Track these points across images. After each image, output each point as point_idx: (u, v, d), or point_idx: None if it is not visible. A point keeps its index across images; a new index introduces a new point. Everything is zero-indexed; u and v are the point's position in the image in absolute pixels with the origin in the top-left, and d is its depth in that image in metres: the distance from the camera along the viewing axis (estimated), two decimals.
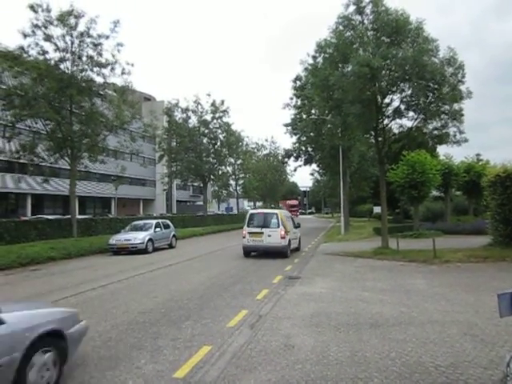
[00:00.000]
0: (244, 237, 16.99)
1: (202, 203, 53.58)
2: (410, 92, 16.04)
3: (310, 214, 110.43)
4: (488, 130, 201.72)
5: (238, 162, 56.17)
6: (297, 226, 19.19)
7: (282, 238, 16.57)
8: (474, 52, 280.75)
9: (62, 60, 21.81)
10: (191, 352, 5.43)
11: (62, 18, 21.07)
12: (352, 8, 15.73)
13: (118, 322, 7.04)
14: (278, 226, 16.66)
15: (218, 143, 44.51)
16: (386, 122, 17.30)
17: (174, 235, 23.00)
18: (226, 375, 4.66)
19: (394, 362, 4.88)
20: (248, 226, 17.02)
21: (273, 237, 16.55)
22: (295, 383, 4.39)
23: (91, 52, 22.17)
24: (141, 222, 22.75)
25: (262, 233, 16.69)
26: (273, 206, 76.00)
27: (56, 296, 9.46)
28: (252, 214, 17.89)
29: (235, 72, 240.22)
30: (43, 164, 23.98)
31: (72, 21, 21.36)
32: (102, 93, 24.27)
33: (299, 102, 35.44)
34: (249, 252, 17.25)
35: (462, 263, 12.87)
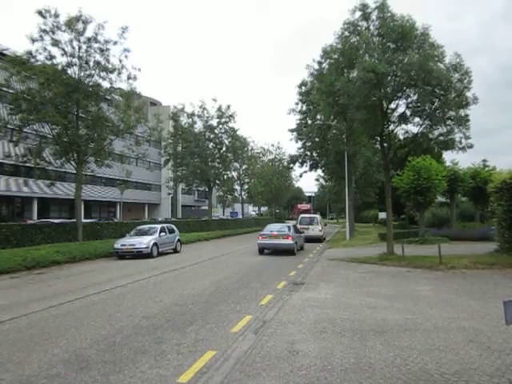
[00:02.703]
0: None
1: (206, 208, 53.63)
2: (415, 98, 16.02)
3: None
4: (496, 136, 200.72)
5: (244, 167, 56.25)
6: (325, 225, 34.93)
7: (320, 231, 29.25)
8: (482, 57, 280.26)
9: (69, 65, 21.96)
10: (195, 357, 5.42)
11: (70, 24, 21.23)
12: (358, 14, 15.78)
13: (122, 326, 7.05)
14: (318, 224, 29.43)
15: (224, 148, 44.60)
16: (391, 127, 17.30)
17: (178, 240, 23.03)
18: (230, 380, 4.65)
19: (399, 369, 4.85)
20: (300, 224, 28.07)
21: (314, 230, 28.77)
22: None
23: (98, 57, 22.35)
24: (146, 227, 22.79)
25: (308, 228, 28.37)
26: (278, 210, 75.97)
27: (61, 299, 9.50)
28: (302, 217, 31.03)
29: (241, 77, 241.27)
30: (49, 168, 24.11)
31: (80, 26, 21.54)
32: (108, 97, 24.42)
33: (304, 108, 35.49)
34: None
35: (468, 270, 12.80)
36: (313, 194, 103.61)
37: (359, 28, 15.83)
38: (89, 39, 21.84)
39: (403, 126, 17.42)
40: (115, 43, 22.37)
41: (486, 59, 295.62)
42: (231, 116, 43.00)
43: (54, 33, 21.25)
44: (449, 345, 5.70)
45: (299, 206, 63.64)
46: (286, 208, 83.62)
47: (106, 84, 23.20)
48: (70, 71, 22.09)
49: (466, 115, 15.96)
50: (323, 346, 5.79)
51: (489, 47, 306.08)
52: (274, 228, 21.65)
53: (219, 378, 4.73)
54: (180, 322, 7.31)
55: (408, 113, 16.58)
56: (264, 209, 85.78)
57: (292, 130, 37.03)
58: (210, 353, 5.57)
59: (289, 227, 21.53)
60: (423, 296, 9.19)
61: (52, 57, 21.67)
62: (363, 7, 15.60)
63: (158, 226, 22.08)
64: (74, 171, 23.79)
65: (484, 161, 32.40)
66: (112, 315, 7.90)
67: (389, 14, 15.36)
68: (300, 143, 37.29)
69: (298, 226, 26.31)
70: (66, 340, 6.32)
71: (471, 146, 16.92)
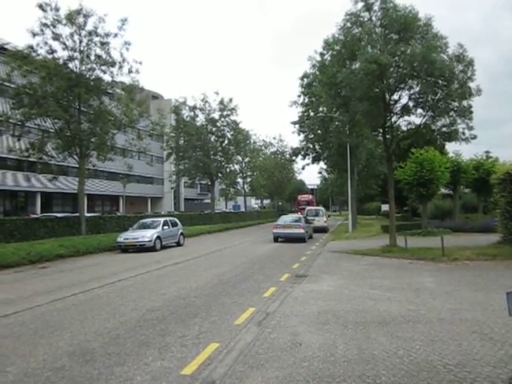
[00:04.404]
0: None
1: (209, 201, 53.66)
2: (418, 89, 15.93)
3: None
4: (499, 127, 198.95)
5: (246, 160, 56.22)
6: (328, 216, 39.56)
7: (325, 222, 32.12)
8: (486, 47, 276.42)
9: (70, 59, 21.93)
10: (199, 349, 5.45)
11: (71, 17, 21.17)
12: (360, 5, 15.69)
13: (126, 319, 7.09)
14: (323, 216, 32.46)
15: (226, 141, 44.57)
16: (394, 119, 17.20)
17: (181, 233, 23.07)
18: (234, 372, 4.67)
19: (402, 360, 4.86)
20: (307, 216, 29.44)
21: (320, 221, 31.22)
22: (302, 380, 4.38)
23: (99, 51, 22.28)
24: (149, 220, 22.84)
25: (314, 219, 30.17)
26: (280, 203, 75.96)
27: (65, 293, 9.55)
28: (308, 209, 33.81)
29: (243, 69, 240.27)
30: (52, 162, 24.14)
31: (80, 20, 21.46)
32: (110, 91, 24.38)
33: (307, 100, 35.29)
34: None
35: (471, 261, 12.79)
36: (315, 187, 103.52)
37: (361, 19, 15.74)
38: (89, 33, 21.77)
39: (406, 117, 17.36)
40: (115, 36, 22.31)
41: (489, 49, 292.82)
42: (233, 109, 42.97)
43: (54, 26, 21.21)
44: (451, 336, 5.71)
45: (299, 196, 61.84)
46: (289, 201, 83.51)
47: (107, 78, 23.18)
48: (71, 65, 22.08)
49: (470, 106, 15.87)
50: (326, 337, 5.80)
51: (493, 37, 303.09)
52: (286, 219, 24.62)
53: (223, 369, 4.75)
54: (183, 314, 7.34)
55: (411, 104, 16.50)
56: (267, 202, 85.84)
57: (294, 123, 36.87)
58: (214, 345, 5.59)
59: (300, 218, 24.70)
60: (426, 288, 9.20)
61: (53, 51, 21.66)
62: None
63: (161, 220, 22.11)
64: (77, 165, 23.83)
65: (487, 152, 32.23)
66: (116, 308, 7.94)
67: (391, 5, 15.25)
68: (302, 136, 37.21)
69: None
70: (70, 333, 6.36)
71: (475, 138, 16.86)
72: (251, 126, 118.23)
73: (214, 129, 43.30)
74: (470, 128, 16.32)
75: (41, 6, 20.78)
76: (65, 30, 21.42)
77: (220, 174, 45.80)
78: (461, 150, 28.94)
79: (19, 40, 25.16)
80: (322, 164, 42.32)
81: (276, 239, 23.02)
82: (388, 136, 17.25)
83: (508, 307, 3.31)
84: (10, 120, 22.38)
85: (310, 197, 62.25)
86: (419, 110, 16.65)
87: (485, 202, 29.36)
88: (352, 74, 15.24)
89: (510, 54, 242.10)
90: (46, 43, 21.37)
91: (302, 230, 22.66)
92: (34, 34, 21.02)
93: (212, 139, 43.74)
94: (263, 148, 65.58)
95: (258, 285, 10.13)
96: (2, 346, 5.80)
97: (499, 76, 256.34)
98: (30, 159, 23.77)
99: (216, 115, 42.98)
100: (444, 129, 17.02)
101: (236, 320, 6.87)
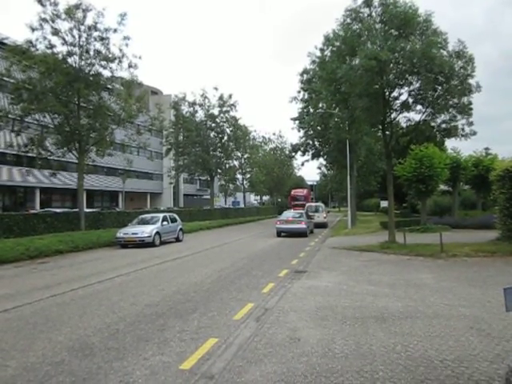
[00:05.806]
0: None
1: (208, 197, 53.64)
2: (418, 85, 15.94)
3: None
4: (498, 124, 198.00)
5: (245, 156, 56.15)
6: (328, 212, 38.88)
7: (324, 218, 32.98)
8: (487, 43, 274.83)
9: (69, 54, 21.85)
10: (197, 344, 5.47)
11: (70, 12, 21.07)
12: (360, 0, 15.62)
13: (125, 314, 7.11)
14: (322, 212, 33.39)
15: (225, 137, 44.51)
16: (393, 115, 17.21)
17: (180, 229, 23.08)
18: (232, 367, 4.69)
19: (400, 356, 4.88)
20: (307, 212, 29.12)
21: (320, 217, 31.99)
22: (301, 375, 4.41)
23: (98, 46, 22.20)
24: (148, 216, 22.84)
25: (314, 215, 30.81)
26: (279, 199, 76.02)
27: (64, 288, 9.57)
28: (308, 205, 34.29)
29: (243, 65, 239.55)
30: (51, 158, 24.11)
31: (79, 14, 21.36)
32: (109, 86, 24.31)
33: (306, 96, 35.21)
34: None
35: (470, 258, 12.82)
36: (315, 183, 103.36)
37: (361, 15, 15.69)
38: (89, 28, 21.68)
39: (405, 113, 17.39)
40: (115, 31, 22.22)
41: (490, 45, 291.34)
42: (233, 105, 42.85)
43: (53, 21, 21.11)
44: (449, 332, 5.74)
45: (293, 191, 56.25)
46: (287, 197, 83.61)
47: (106, 73, 23.11)
48: (70, 60, 22.00)
49: (469, 103, 15.87)
50: (325, 333, 5.83)
51: (494, 33, 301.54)
52: (289, 214, 25.59)
53: (221, 364, 4.78)
54: (182, 309, 7.37)
55: (410, 100, 16.52)
56: (266, 198, 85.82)
57: (294, 119, 36.84)
58: (213, 340, 5.62)
59: (301, 214, 25.44)
60: (424, 284, 9.23)
61: (52, 46, 21.58)
62: None
63: (161, 215, 22.12)
64: (76, 161, 23.81)
65: (486, 149, 32.25)
66: (115, 303, 7.96)
67: (391, 1, 15.21)
68: (302, 132, 37.14)
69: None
70: (69, 328, 6.38)
71: (474, 134, 16.88)
72: (251, 122, 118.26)
73: (213, 125, 43.22)
74: (470, 124, 16.35)
75: (40, 1, 20.66)
76: (64, 25, 21.37)
77: (219, 170, 45.78)
78: (459, 148, 29.05)
79: (18, 35, 25.13)
80: (321, 160, 42.36)
81: (279, 234, 23.81)
82: (387, 132, 17.25)
83: (505, 303, 3.32)
84: (9, 115, 22.33)
85: (305, 191, 56.06)
86: (419, 107, 16.70)
87: (484, 199, 29.39)
88: (352, 70, 15.21)
89: (511, 51, 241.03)
90: (45, 38, 21.32)
91: (304, 225, 23.58)
92: (33, 29, 20.95)
93: (211, 135, 43.67)
94: (263, 144, 65.50)
95: (256, 280, 10.16)
96: (2, 341, 5.82)
97: (500, 72, 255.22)
98: (30, 154, 23.75)
99: (215, 111, 42.93)
100: (443, 125, 17.05)
101: (235, 315, 6.90)
